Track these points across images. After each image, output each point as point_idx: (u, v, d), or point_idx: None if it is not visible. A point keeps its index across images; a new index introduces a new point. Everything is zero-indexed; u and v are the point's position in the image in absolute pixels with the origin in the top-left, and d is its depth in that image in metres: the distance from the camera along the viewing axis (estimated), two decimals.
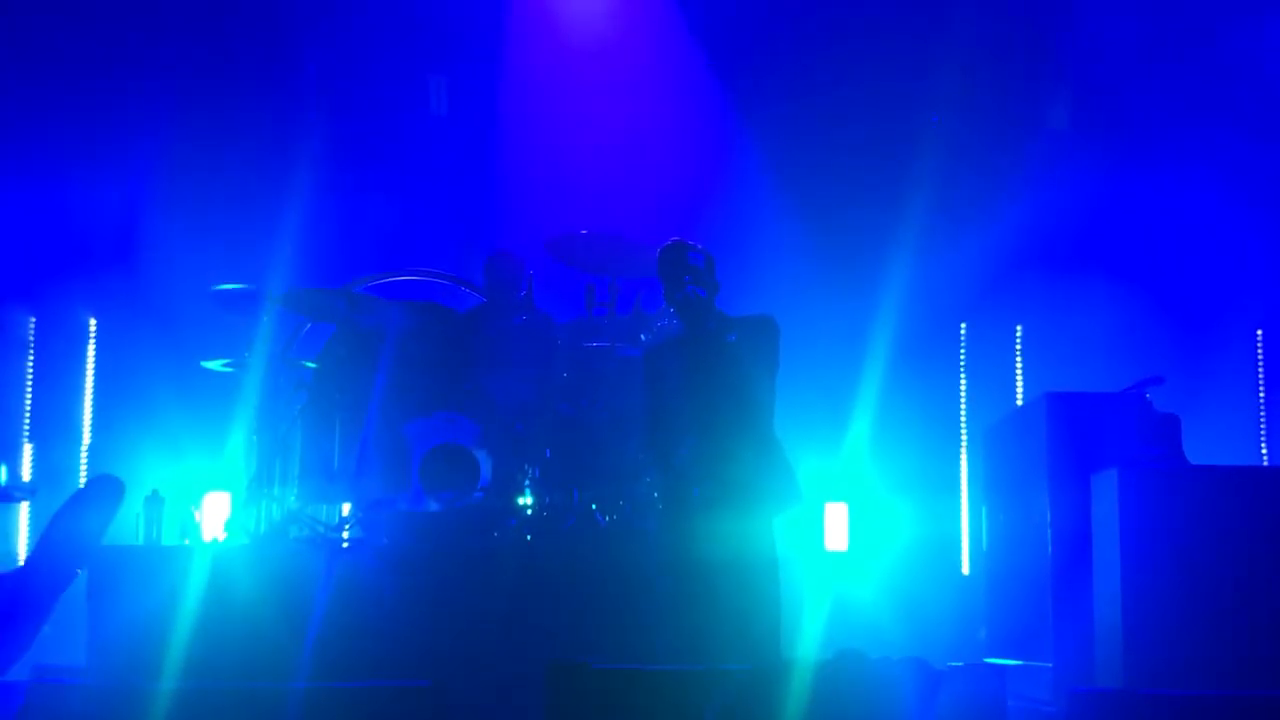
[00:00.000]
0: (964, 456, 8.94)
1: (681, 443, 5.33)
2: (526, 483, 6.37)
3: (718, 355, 5.31)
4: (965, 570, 8.70)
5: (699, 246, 5.36)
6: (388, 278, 7.05)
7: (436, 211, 8.81)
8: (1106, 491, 5.42)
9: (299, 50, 8.69)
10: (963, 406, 9.08)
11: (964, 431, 8.99)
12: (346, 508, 6.61)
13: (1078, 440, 5.89)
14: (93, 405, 8.58)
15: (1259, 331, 9.16)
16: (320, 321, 6.83)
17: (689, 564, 5.20)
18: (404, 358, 6.48)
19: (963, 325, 9.14)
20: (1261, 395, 9.11)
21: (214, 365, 6.90)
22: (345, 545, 6.32)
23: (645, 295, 6.68)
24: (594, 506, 6.33)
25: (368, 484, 6.37)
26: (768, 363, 5.32)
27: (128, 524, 6.61)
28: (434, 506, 6.28)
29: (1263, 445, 9.01)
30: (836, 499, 8.33)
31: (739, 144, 9.02)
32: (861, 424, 8.54)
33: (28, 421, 8.52)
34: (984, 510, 7.40)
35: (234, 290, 6.66)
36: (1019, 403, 8.94)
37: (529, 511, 6.36)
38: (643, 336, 6.39)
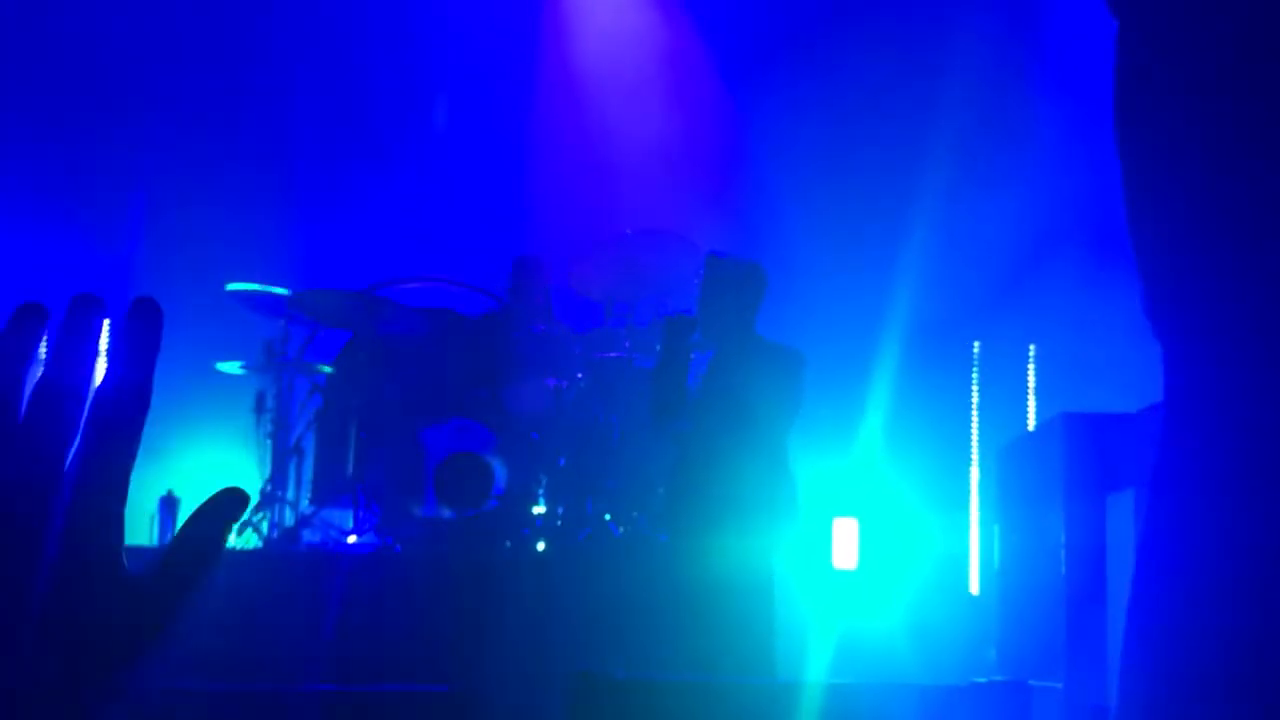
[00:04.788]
0: (974, 475, 8.96)
1: (682, 455, 5.41)
2: (540, 492, 6.40)
3: (728, 374, 5.37)
4: (974, 590, 8.72)
5: (726, 261, 5.39)
6: (405, 283, 7.06)
7: (456, 217, 8.84)
8: (1124, 512, 5.44)
9: (322, 45, 8.71)
10: (974, 425, 9.11)
11: (975, 450, 9.02)
12: (360, 513, 6.63)
13: (1094, 460, 5.91)
14: None
15: None
16: (336, 326, 6.85)
17: (685, 579, 5.26)
18: (420, 364, 6.50)
19: (976, 344, 9.17)
20: None
21: (229, 368, 6.92)
22: (359, 551, 6.35)
23: (664, 307, 6.71)
24: (608, 517, 6.35)
25: (382, 490, 6.39)
26: (784, 390, 5.36)
27: (141, 526, 6.64)
28: (448, 514, 6.30)
29: None
30: (846, 515, 8.33)
31: (749, 158, 9.06)
32: (873, 440, 8.55)
33: None
34: (996, 530, 7.42)
35: (250, 290, 6.70)
36: (1030, 422, 8.96)
37: (542, 521, 6.39)
38: (659, 348, 6.41)
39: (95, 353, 0.92)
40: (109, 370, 0.91)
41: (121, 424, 0.91)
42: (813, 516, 7.57)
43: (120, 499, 0.91)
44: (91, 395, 0.91)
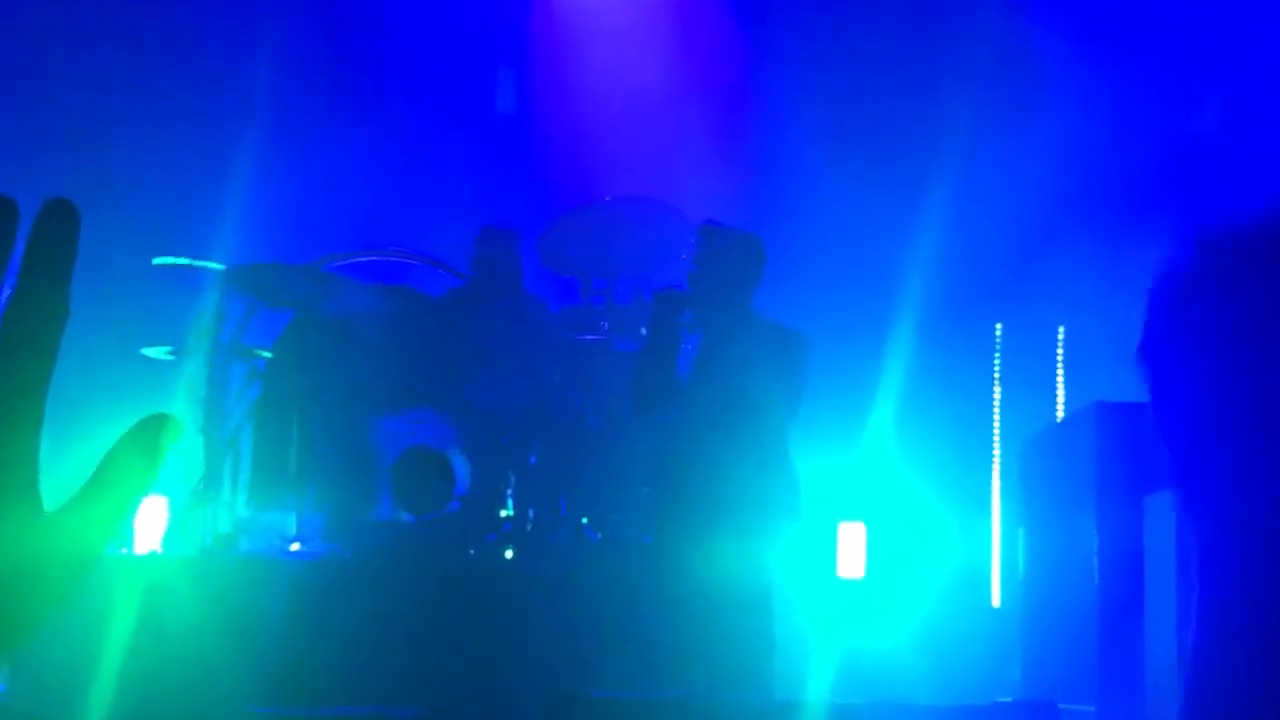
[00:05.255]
0: (996, 474, 9.00)
1: (669, 450, 5.43)
2: (509, 492, 6.41)
3: (722, 357, 5.39)
4: (996, 602, 8.76)
5: (723, 231, 5.41)
6: (356, 257, 7.07)
7: (415, 183, 8.84)
8: (1163, 514, 5.47)
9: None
10: (996, 418, 9.14)
11: (997, 446, 9.05)
12: (304, 517, 6.65)
13: (1130, 456, 5.95)
14: None
15: None
16: (277, 305, 6.85)
17: (672, 589, 5.29)
18: (372, 348, 6.51)
19: (998, 326, 9.21)
20: None
21: (155, 353, 6.93)
22: (303, 559, 6.36)
23: (648, 283, 6.73)
24: (584, 520, 6.37)
25: (329, 490, 6.40)
26: (785, 376, 5.38)
27: None
28: (404, 517, 6.32)
29: None
30: (852, 518, 8.37)
31: (746, 118, 9.09)
32: (882, 434, 8.58)
33: None
34: (1020, 534, 7.46)
35: (179, 265, 6.70)
36: (1060, 413, 9.00)
37: (510, 525, 6.41)
38: (643, 330, 6.44)
39: (7, 259, 0.91)
40: (20, 280, 0.90)
41: (35, 338, 0.90)
42: (815, 520, 7.60)
43: (36, 421, 0.90)
44: (3, 306, 0.91)
